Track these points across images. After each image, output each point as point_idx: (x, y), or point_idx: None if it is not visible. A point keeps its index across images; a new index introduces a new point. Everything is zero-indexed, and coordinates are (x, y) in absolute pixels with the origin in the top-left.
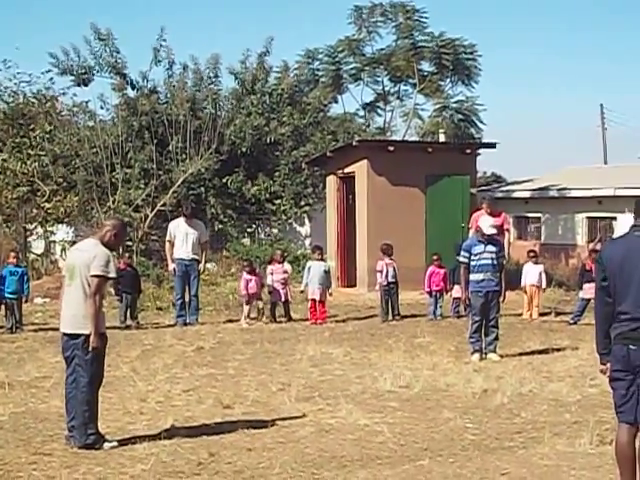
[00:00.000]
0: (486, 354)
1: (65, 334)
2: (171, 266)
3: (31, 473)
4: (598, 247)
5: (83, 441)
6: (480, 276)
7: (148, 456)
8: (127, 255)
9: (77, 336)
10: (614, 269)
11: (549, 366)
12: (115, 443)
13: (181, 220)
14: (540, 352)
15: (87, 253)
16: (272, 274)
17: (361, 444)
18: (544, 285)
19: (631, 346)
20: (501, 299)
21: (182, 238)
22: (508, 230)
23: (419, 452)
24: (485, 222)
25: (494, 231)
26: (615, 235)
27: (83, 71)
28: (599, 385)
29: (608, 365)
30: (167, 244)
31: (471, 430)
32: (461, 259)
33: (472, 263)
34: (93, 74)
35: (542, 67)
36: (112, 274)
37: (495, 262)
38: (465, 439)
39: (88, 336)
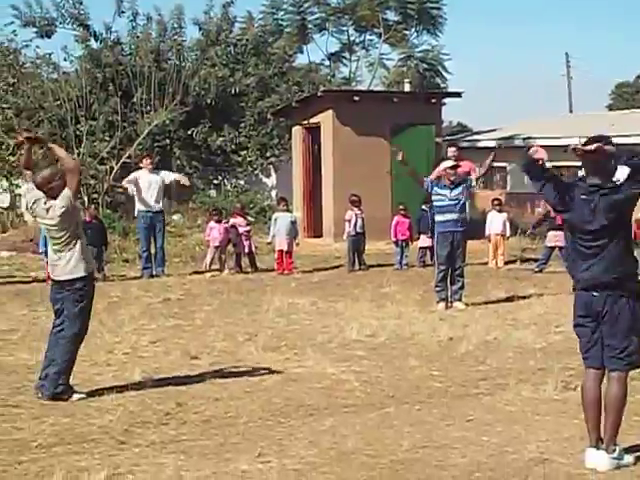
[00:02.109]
0: (452, 303)
1: (57, 281)
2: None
3: None
4: None
5: (52, 390)
6: (445, 217)
7: (115, 407)
8: (93, 207)
9: (71, 282)
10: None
11: (514, 314)
12: (83, 395)
13: (143, 171)
14: (505, 300)
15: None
16: (235, 226)
17: (328, 392)
18: (508, 233)
19: (594, 293)
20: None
21: (146, 188)
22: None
23: (385, 400)
24: (444, 163)
25: (451, 163)
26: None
27: (46, 23)
28: (564, 332)
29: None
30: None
31: (437, 378)
32: (426, 185)
33: (436, 204)
34: (56, 26)
35: (507, 15)
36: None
37: (460, 202)
38: (431, 387)
39: (80, 279)
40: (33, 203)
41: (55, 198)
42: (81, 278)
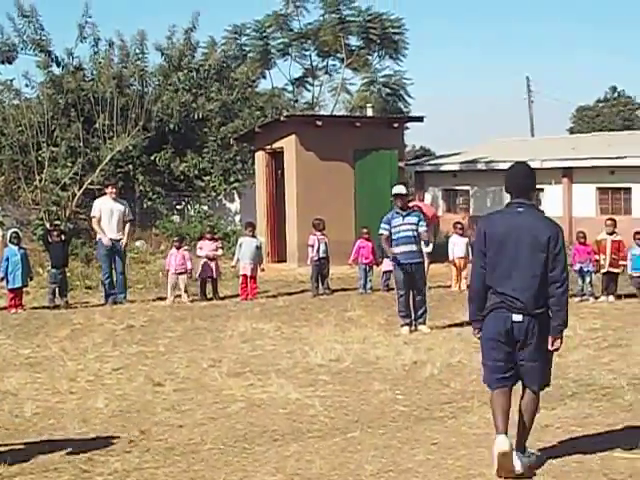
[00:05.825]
0: (416, 326)
1: None
2: (105, 239)
3: None
4: None
5: None
6: (401, 249)
7: (78, 435)
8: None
9: None
10: (494, 245)
11: None
12: None
13: (107, 198)
14: (469, 323)
15: None
16: (201, 249)
17: (292, 418)
18: (471, 257)
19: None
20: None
21: (108, 216)
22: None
23: (350, 424)
24: (395, 189)
25: (403, 190)
26: (541, 206)
27: (7, 48)
28: None
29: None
30: (94, 220)
31: (401, 401)
32: (381, 231)
33: (393, 237)
34: (17, 52)
35: (469, 40)
36: None
37: (415, 233)
38: (395, 410)
39: None
40: None
41: None
42: None
